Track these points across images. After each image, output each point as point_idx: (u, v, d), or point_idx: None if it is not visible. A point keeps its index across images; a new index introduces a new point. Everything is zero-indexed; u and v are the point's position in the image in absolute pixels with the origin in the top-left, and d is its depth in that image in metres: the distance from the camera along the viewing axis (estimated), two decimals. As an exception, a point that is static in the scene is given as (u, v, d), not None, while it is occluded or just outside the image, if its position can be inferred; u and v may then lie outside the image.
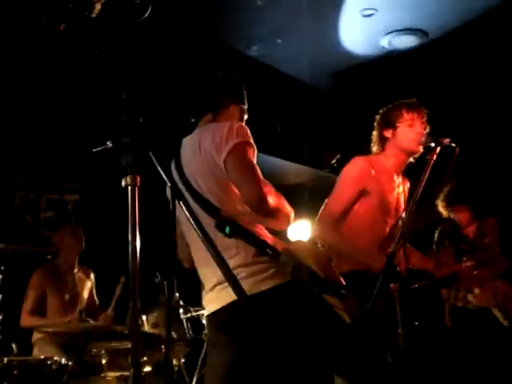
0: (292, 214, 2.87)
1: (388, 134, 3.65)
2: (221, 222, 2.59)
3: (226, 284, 2.45)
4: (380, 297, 3.00)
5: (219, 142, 2.74)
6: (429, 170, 3.27)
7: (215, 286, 2.76)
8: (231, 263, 2.37)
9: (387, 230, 3.62)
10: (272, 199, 2.74)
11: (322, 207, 3.55)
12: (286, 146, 6.97)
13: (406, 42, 5.53)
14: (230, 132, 2.78)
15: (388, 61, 5.87)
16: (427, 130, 3.60)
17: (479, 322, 5.40)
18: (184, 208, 1.77)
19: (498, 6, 4.92)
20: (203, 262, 2.81)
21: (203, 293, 2.93)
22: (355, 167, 3.58)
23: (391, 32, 5.39)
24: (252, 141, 2.84)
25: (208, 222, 2.45)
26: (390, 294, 3.08)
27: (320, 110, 6.91)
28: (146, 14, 2.13)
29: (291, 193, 7.95)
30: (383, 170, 3.59)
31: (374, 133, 3.76)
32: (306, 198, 7.58)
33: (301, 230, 7.29)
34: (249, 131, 2.87)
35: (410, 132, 3.57)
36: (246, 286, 2.55)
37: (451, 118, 6.77)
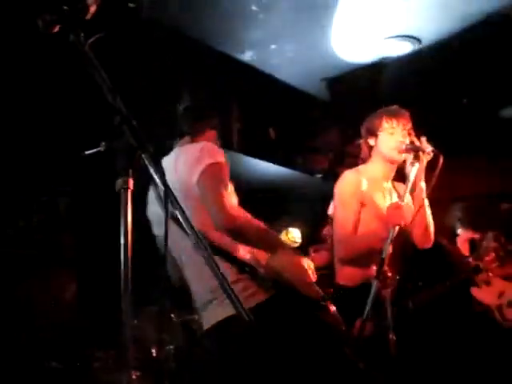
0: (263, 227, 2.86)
1: (371, 141, 3.67)
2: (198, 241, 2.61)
3: (222, 300, 2.47)
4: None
5: (192, 164, 2.77)
6: (412, 178, 3.30)
7: (211, 301, 2.76)
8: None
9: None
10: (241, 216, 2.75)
11: (334, 230, 3.54)
12: (280, 152, 6.98)
13: (399, 48, 5.55)
14: (201, 153, 2.83)
15: (381, 67, 5.88)
16: (412, 136, 3.59)
17: (479, 323, 5.47)
18: (180, 217, 1.78)
19: (493, 12, 4.93)
20: (195, 277, 2.80)
21: (197, 309, 2.94)
22: (347, 185, 3.58)
23: (385, 38, 5.40)
24: (223, 160, 2.86)
25: (184, 244, 2.48)
26: (382, 299, 3.09)
27: (313, 116, 6.92)
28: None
29: (283, 198, 7.98)
30: (372, 179, 3.60)
31: (361, 141, 3.78)
32: (297, 204, 7.60)
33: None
34: (221, 151, 2.91)
35: (389, 140, 3.59)
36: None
37: (444, 124, 6.81)
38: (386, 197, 3.66)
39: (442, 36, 5.33)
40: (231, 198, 2.94)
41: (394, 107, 3.70)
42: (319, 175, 7.17)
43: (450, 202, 7.25)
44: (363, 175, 3.59)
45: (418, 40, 5.42)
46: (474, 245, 5.96)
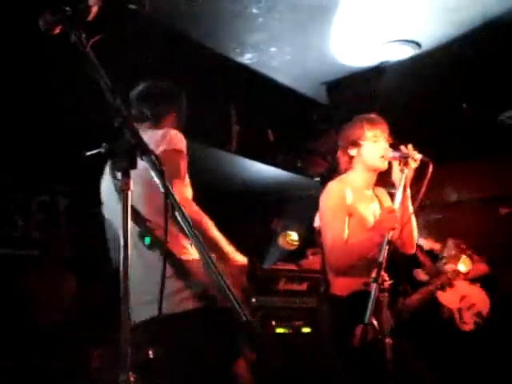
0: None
1: (353, 152, 3.64)
2: (143, 231, 2.62)
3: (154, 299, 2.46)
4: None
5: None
6: (403, 184, 3.31)
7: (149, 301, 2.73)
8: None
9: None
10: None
11: (325, 242, 3.51)
12: (279, 155, 6.99)
13: (399, 52, 5.56)
14: (162, 139, 2.84)
15: (381, 71, 5.89)
16: (390, 142, 3.61)
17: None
18: (178, 216, 1.79)
19: (493, 17, 4.94)
20: (140, 275, 2.76)
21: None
22: (333, 196, 3.54)
23: (384, 43, 5.41)
24: (184, 148, 2.85)
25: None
26: (379, 304, 3.10)
27: (313, 119, 6.93)
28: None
29: (281, 201, 7.97)
30: (356, 189, 3.59)
31: (340, 152, 3.75)
32: (296, 206, 7.61)
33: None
34: (183, 139, 2.89)
35: (374, 148, 3.58)
36: (170, 304, 2.65)
37: (443, 129, 6.83)
38: (369, 206, 3.65)
39: (442, 41, 5.34)
40: (184, 189, 2.91)
41: (373, 115, 3.69)
42: (318, 178, 7.17)
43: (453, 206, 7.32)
44: (346, 185, 3.56)
45: (418, 44, 5.43)
46: (433, 254, 6.02)
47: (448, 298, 5.73)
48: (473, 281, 5.93)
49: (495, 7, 4.82)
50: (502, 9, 4.83)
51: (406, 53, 5.56)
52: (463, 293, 5.79)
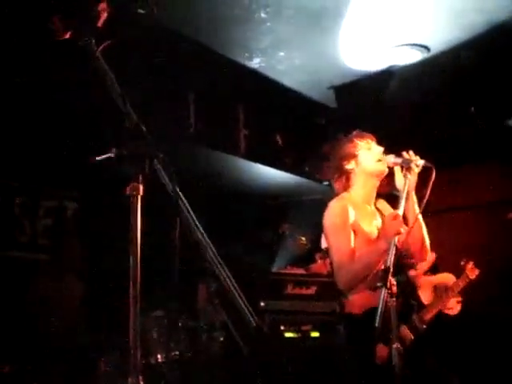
0: None
1: (350, 165, 3.64)
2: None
3: None
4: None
5: None
6: (406, 189, 3.31)
7: None
8: None
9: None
10: None
11: (332, 261, 3.50)
12: (287, 159, 6.98)
13: (408, 56, 5.55)
14: None
15: (390, 75, 5.89)
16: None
17: None
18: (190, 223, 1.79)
19: (501, 22, 4.94)
20: None
21: None
22: (337, 214, 3.52)
23: (393, 47, 5.41)
24: None
25: None
26: (388, 309, 3.08)
27: (321, 123, 6.93)
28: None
29: (289, 205, 7.97)
30: (357, 205, 3.58)
31: (333, 174, 3.75)
32: (303, 210, 7.60)
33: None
34: None
35: (370, 154, 3.61)
36: None
37: (451, 133, 6.81)
38: (373, 222, 3.64)
39: (451, 44, 5.34)
40: None
41: (356, 131, 3.73)
42: (326, 182, 7.16)
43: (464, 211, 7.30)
44: (348, 202, 3.55)
45: (427, 48, 5.42)
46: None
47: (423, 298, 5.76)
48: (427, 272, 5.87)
49: (503, 11, 4.82)
50: (509, 14, 4.83)
51: (415, 57, 5.55)
52: (429, 286, 5.75)
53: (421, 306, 4.24)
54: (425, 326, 3.75)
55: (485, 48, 5.32)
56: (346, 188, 3.67)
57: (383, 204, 3.80)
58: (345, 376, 3.46)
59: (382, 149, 3.61)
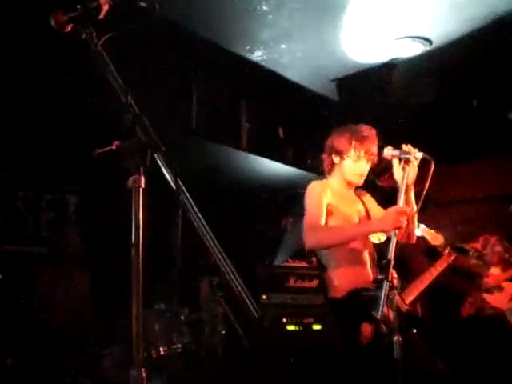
0: None
1: (336, 160, 3.73)
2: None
3: None
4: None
5: None
6: (405, 182, 3.32)
7: None
8: None
9: (362, 245, 3.64)
10: None
11: (304, 223, 3.54)
12: (289, 152, 6.98)
13: (410, 49, 5.54)
14: None
15: (392, 68, 5.88)
16: (374, 162, 3.69)
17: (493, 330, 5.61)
18: (192, 216, 1.79)
19: (503, 14, 4.92)
20: None
21: None
22: (314, 190, 3.63)
23: (395, 39, 5.40)
24: None
25: None
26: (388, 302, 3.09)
27: (323, 116, 6.92)
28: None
29: (291, 198, 7.96)
30: (335, 191, 3.65)
31: (325, 154, 3.80)
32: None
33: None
34: None
35: (354, 167, 3.68)
36: None
37: (453, 127, 6.80)
38: (353, 205, 3.71)
39: (453, 37, 5.33)
40: None
41: (364, 129, 3.69)
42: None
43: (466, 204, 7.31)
44: (327, 186, 3.64)
45: (429, 41, 5.41)
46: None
47: (497, 299, 5.84)
48: None
49: (505, 4, 4.81)
50: (509, 6, 4.82)
51: (417, 49, 5.54)
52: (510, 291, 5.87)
53: (403, 288, 4.32)
54: (406, 307, 3.78)
55: (487, 41, 5.30)
56: (329, 172, 3.78)
57: (363, 194, 3.90)
58: (334, 361, 3.49)
59: (367, 167, 3.68)
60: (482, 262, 6.01)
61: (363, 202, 3.80)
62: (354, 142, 3.64)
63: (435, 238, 5.16)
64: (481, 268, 6.03)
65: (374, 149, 3.65)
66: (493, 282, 5.94)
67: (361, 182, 3.70)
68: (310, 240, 3.46)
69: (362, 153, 3.63)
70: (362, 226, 3.59)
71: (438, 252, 5.56)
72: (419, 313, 4.85)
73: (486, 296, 5.87)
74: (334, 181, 3.74)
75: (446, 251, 5.45)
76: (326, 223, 3.53)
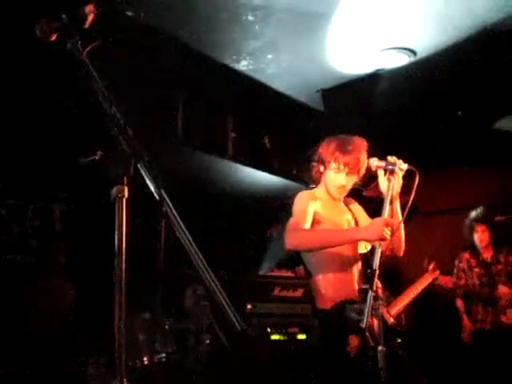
0: None
1: (321, 169, 3.74)
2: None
3: None
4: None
5: None
6: (390, 193, 3.32)
7: None
8: None
9: (355, 253, 3.66)
10: None
11: (288, 224, 3.54)
12: (274, 162, 6.99)
13: (395, 60, 5.58)
14: None
15: (377, 79, 5.91)
16: (359, 175, 3.68)
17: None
18: (175, 225, 1.79)
19: (486, 25, 4.96)
20: None
21: None
22: (302, 196, 3.63)
23: (380, 50, 5.43)
24: None
25: None
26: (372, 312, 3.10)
27: (309, 126, 6.94)
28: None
29: (276, 208, 7.98)
30: (324, 201, 3.65)
31: (313, 163, 3.81)
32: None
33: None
34: None
35: (334, 179, 3.68)
36: None
37: (438, 137, 6.85)
38: (343, 215, 3.71)
39: (438, 48, 5.36)
40: None
41: (351, 142, 3.67)
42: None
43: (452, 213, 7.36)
44: (316, 196, 3.64)
45: (414, 52, 5.45)
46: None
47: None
48: None
49: (489, 15, 4.84)
50: (496, 16, 4.86)
51: (402, 60, 5.58)
52: None
53: (389, 300, 4.34)
54: (392, 320, 3.80)
55: (472, 51, 5.35)
56: (318, 181, 3.79)
57: (352, 203, 3.89)
58: (320, 371, 3.48)
59: (348, 181, 3.66)
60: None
61: (351, 212, 3.80)
62: (336, 153, 3.62)
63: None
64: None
65: (359, 163, 3.62)
66: (504, 301, 6.00)
67: (341, 194, 3.70)
68: (290, 240, 3.43)
69: (342, 166, 3.61)
70: (345, 232, 3.56)
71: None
72: (403, 326, 4.87)
73: (503, 318, 5.97)
74: (321, 190, 3.74)
75: (431, 267, 5.52)
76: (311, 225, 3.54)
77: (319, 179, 3.78)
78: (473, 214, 6.41)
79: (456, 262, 6.45)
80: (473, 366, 5.95)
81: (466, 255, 6.37)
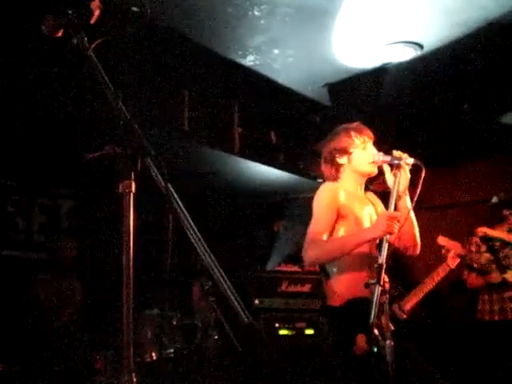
0: None
1: (342, 160, 3.66)
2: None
3: None
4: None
5: None
6: (396, 188, 3.30)
7: None
8: None
9: (371, 249, 3.63)
10: None
11: (308, 232, 3.51)
12: (281, 156, 6.99)
13: (401, 54, 5.56)
14: None
15: (383, 73, 5.89)
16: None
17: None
18: (182, 219, 1.78)
19: (493, 19, 4.94)
20: None
21: None
22: (326, 195, 3.54)
23: (387, 44, 5.41)
24: None
25: None
26: (380, 307, 3.09)
27: (315, 121, 6.93)
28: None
29: (283, 202, 7.97)
30: (348, 192, 3.60)
31: (325, 163, 3.76)
32: (297, 208, 7.61)
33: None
34: None
35: (364, 155, 3.61)
36: None
37: (446, 129, 6.82)
38: (365, 208, 3.66)
39: (444, 42, 5.34)
40: None
41: (356, 124, 3.71)
42: (320, 180, 7.17)
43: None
44: (340, 187, 3.59)
45: (420, 46, 5.43)
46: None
47: None
48: None
49: (495, 9, 4.82)
50: (503, 10, 4.84)
51: (409, 54, 5.56)
52: None
53: (402, 295, 4.27)
54: (405, 316, 3.76)
55: (478, 45, 5.33)
56: (335, 179, 3.69)
57: (371, 195, 3.84)
58: (328, 368, 3.46)
59: (375, 151, 3.61)
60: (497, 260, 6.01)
61: (373, 205, 3.77)
62: (353, 133, 3.62)
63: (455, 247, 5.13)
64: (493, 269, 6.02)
65: (373, 138, 3.65)
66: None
67: (375, 170, 3.59)
68: (308, 254, 3.41)
69: (366, 138, 3.62)
70: (356, 236, 3.42)
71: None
72: (417, 321, 4.83)
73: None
74: (345, 182, 3.66)
75: (450, 255, 5.30)
76: (335, 229, 3.50)
77: (337, 175, 3.70)
78: (495, 199, 6.25)
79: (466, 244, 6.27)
80: (483, 359, 5.92)
81: (476, 239, 6.22)
